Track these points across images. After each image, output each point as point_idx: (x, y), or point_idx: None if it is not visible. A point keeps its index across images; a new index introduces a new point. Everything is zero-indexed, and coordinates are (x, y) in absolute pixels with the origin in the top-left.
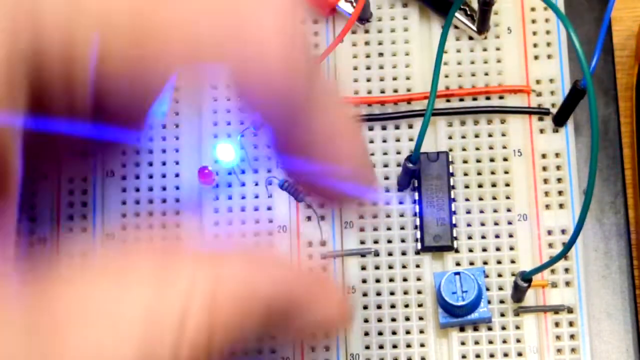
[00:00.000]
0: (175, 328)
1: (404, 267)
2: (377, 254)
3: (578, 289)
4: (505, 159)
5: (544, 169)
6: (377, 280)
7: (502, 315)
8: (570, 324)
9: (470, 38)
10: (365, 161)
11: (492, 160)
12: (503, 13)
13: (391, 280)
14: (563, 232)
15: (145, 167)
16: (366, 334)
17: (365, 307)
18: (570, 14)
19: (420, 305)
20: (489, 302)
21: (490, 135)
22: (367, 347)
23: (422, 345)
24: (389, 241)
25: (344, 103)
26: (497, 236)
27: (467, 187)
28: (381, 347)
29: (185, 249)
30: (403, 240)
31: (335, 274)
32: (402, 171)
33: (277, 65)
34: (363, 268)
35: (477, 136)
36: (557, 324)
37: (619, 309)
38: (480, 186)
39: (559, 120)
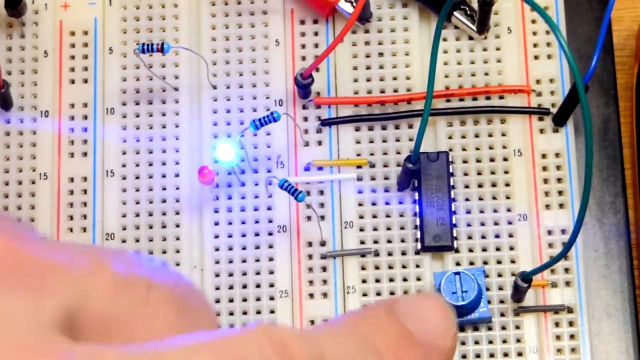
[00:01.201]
0: None
1: (404, 267)
2: (377, 254)
3: (578, 289)
4: (505, 159)
5: (544, 169)
6: (377, 280)
7: (502, 315)
8: (570, 324)
9: (470, 38)
10: None
11: (492, 160)
12: (503, 13)
13: (391, 280)
14: (563, 232)
15: (145, 167)
16: None
17: None
18: (570, 14)
19: None
20: (489, 302)
21: (490, 135)
22: None
23: None
24: (389, 241)
25: None
26: (497, 236)
27: (467, 187)
28: None
29: None
30: (403, 240)
31: (335, 274)
32: (402, 171)
33: None
34: (363, 268)
35: (477, 136)
36: (557, 324)
37: (619, 309)
38: (480, 186)
39: (559, 120)
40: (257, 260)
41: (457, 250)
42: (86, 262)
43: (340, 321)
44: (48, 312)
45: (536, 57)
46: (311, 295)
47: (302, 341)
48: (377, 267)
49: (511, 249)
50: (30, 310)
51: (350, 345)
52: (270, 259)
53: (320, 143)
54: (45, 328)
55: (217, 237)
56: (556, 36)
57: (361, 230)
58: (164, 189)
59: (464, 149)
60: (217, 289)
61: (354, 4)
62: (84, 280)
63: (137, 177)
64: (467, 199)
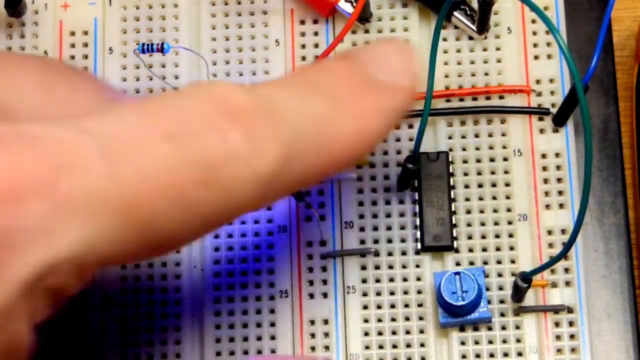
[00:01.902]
0: None
1: (404, 267)
2: (377, 254)
3: (578, 289)
4: (505, 159)
5: (544, 169)
6: (377, 280)
7: (502, 315)
8: (570, 324)
9: (470, 38)
10: None
11: (492, 160)
12: (503, 13)
13: (391, 280)
14: (563, 232)
15: None
16: (366, 334)
17: (365, 307)
18: (570, 14)
19: (420, 305)
20: (489, 302)
21: (490, 135)
22: (367, 347)
23: (422, 345)
24: (389, 241)
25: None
26: (497, 236)
27: (467, 187)
28: (381, 347)
29: None
30: (403, 240)
31: (335, 274)
32: (402, 171)
33: None
34: (363, 268)
35: (477, 136)
36: (557, 324)
37: (619, 309)
38: (480, 186)
39: (559, 120)
40: (257, 261)
41: (457, 250)
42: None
43: (293, 72)
44: None
45: (536, 57)
46: (311, 295)
47: (247, 92)
48: (377, 267)
49: (511, 249)
50: None
51: (301, 89)
52: (270, 259)
53: None
54: None
55: (217, 237)
56: (555, 38)
57: (361, 230)
58: None
59: (464, 149)
60: (217, 289)
61: (354, 4)
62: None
63: None
64: (467, 199)
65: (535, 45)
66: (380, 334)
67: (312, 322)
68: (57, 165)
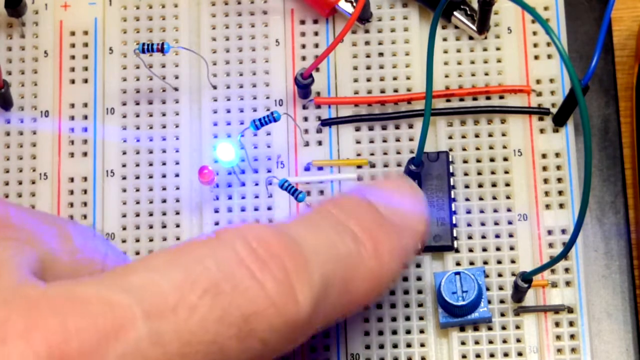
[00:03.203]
0: None
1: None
2: None
3: (578, 289)
4: (505, 159)
5: (544, 169)
6: None
7: (502, 315)
8: (570, 324)
9: (470, 38)
10: None
11: (492, 160)
12: (503, 13)
13: None
14: (563, 232)
15: (145, 167)
16: (366, 333)
17: (365, 307)
18: (570, 14)
19: (420, 305)
20: (489, 302)
21: (490, 135)
22: (368, 347)
23: (422, 345)
24: None
25: None
26: (497, 236)
27: (467, 187)
28: (381, 346)
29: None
30: None
31: None
32: (404, 172)
33: None
34: None
35: (477, 136)
36: (557, 324)
37: (619, 309)
38: (480, 186)
39: (559, 120)
40: None
41: (457, 250)
42: (55, 231)
43: (313, 210)
44: (28, 260)
45: (536, 57)
46: None
47: (278, 235)
48: None
49: (511, 249)
50: (15, 257)
51: (325, 231)
52: None
53: (320, 143)
54: (25, 272)
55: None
56: (555, 44)
57: None
58: (164, 189)
59: (464, 149)
60: None
61: (354, 4)
62: (53, 246)
63: (137, 177)
64: (467, 199)
65: (535, 45)
66: (380, 333)
67: None
68: (105, 332)
